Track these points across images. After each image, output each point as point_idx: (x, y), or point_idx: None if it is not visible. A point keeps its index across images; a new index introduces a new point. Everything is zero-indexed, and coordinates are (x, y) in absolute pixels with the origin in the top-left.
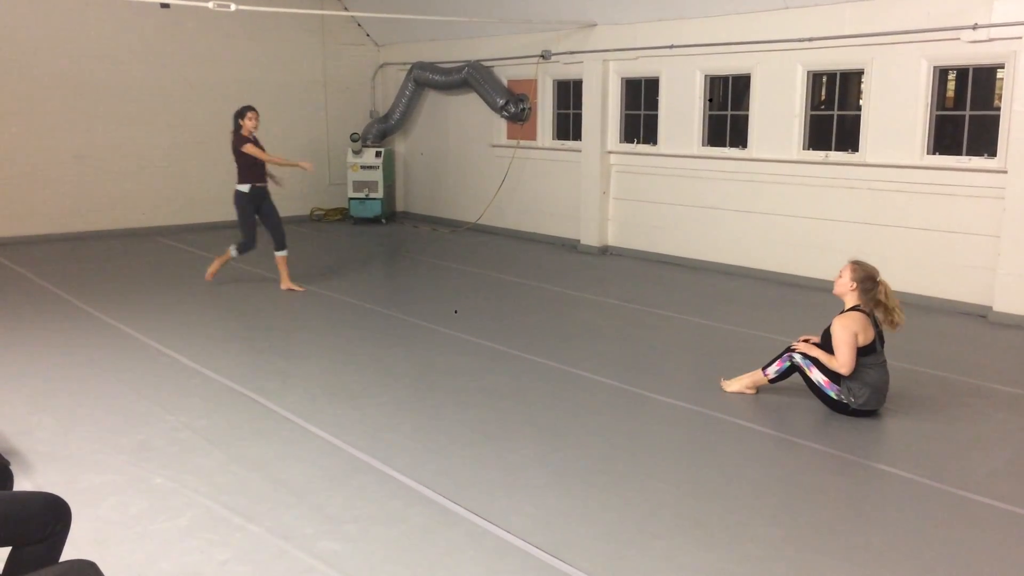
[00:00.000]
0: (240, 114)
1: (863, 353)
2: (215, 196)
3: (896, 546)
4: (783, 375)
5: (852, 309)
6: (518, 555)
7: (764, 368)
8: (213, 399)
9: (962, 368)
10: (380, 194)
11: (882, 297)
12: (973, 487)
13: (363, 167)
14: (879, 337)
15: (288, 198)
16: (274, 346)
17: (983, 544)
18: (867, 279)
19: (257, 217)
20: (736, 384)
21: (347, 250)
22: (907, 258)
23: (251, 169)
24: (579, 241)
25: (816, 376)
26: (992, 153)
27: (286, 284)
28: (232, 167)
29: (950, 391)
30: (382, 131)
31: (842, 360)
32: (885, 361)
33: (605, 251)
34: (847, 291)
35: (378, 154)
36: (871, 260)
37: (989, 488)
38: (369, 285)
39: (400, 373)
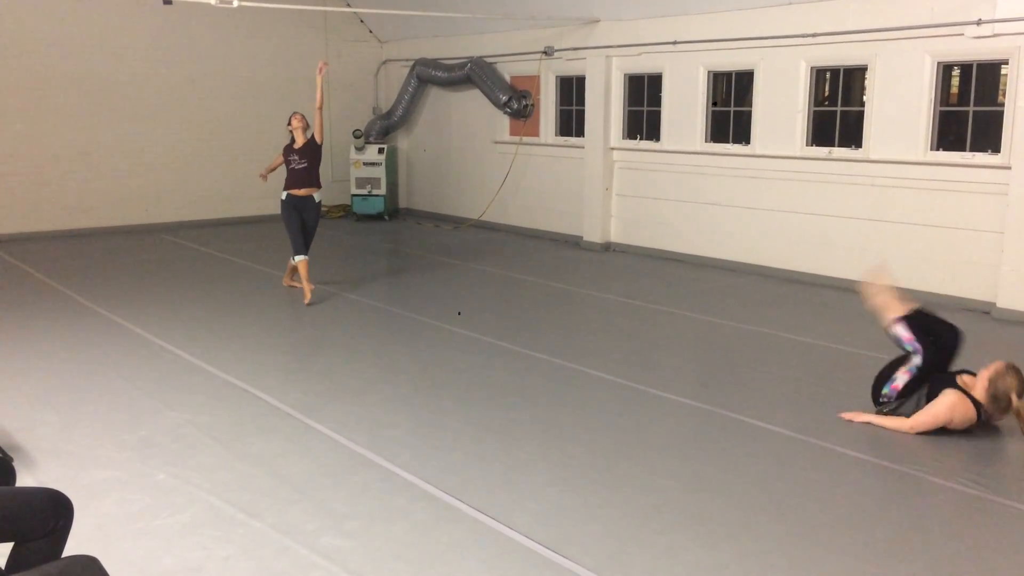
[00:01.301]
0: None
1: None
2: (219, 193)
3: (899, 542)
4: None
5: (971, 398)
6: (520, 551)
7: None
8: (216, 395)
9: (965, 364)
10: (383, 191)
11: (1013, 412)
12: (975, 484)
13: (366, 164)
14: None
15: None
16: (277, 343)
17: (986, 539)
18: (1001, 398)
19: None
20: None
21: (350, 247)
22: (911, 254)
23: (287, 177)
24: (582, 237)
25: (900, 378)
26: (996, 149)
27: (305, 284)
28: (236, 163)
29: None
30: (385, 128)
31: (919, 423)
32: None
33: (608, 247)
34: (982, 382)
35: (381, 151)
36: (875, 256)
37: (993, 485)
38: (372, 282)
39: (403, 369)
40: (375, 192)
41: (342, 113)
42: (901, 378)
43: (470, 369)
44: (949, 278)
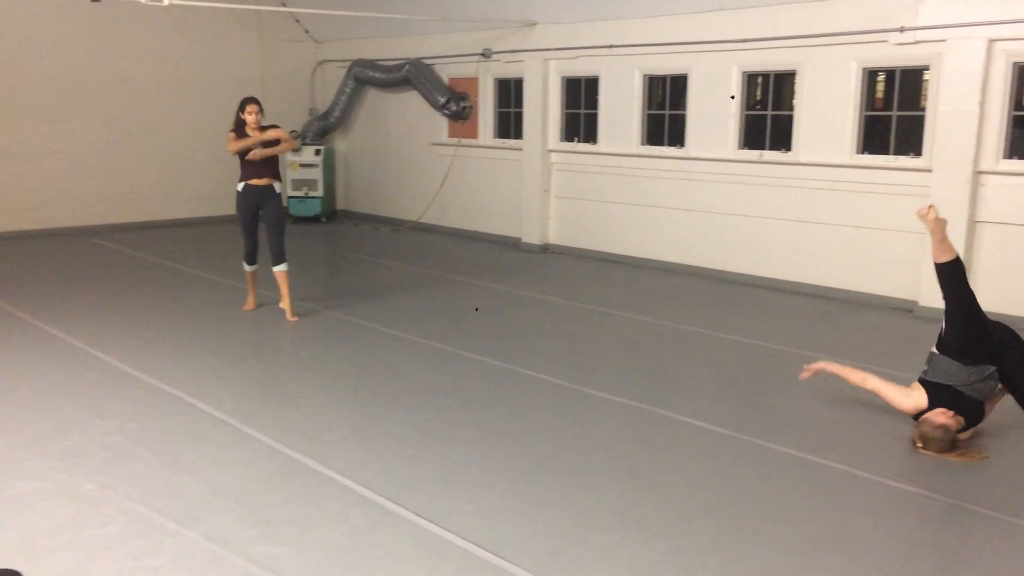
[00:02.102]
0: (240, 107)
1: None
2: (151, 194)
3: (827, 535)
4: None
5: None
6: (458, 554)
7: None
8: (146, 403)
9: (890, 361)
10: (320, 192)
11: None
12: (900, 476)
13: (302, 165)
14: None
15: (223, 196)
16: (209, 348)
17: (911, 532)
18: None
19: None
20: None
21: (289, 250)
22: (838, 255)
23: (244, 165)
24: (521, 239)
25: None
26: (918, 152)
27: (285, 304)
28: (168, 164)
29: None
30: (322, 129)
31: (884, 390)
32: None
33: (546, 249)
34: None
35: (318, 152)
36: (802, 256)
37: (913, 477)
38: (309, 285)
39: (340, 373)
40: (312, 194)
41: (277, 114)
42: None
43: (409, 372)
44: (874, 277)
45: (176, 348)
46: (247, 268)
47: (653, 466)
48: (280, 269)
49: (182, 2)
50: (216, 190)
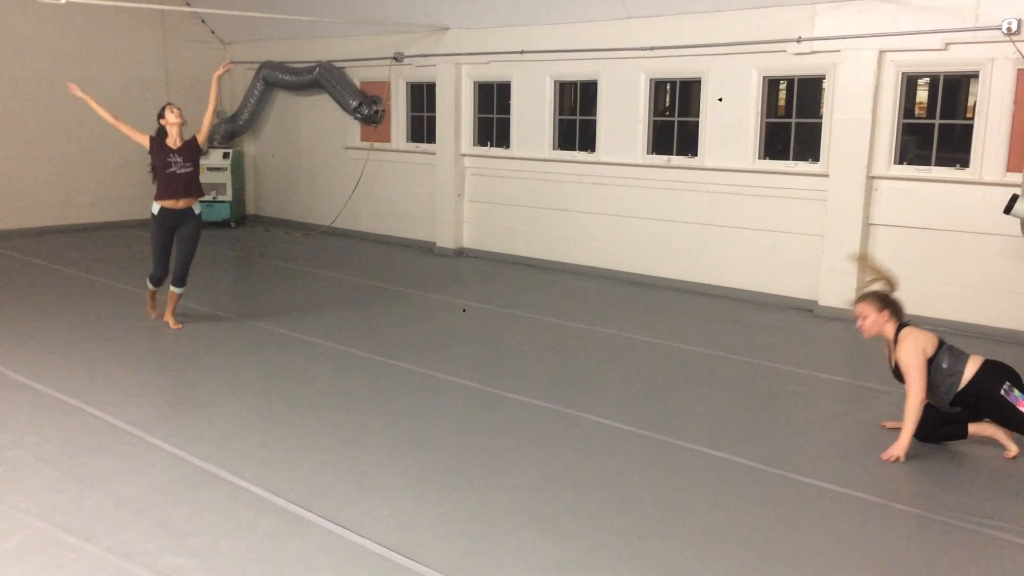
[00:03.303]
0: (160, 114)
1: (934, 359)
2: (48, 199)
3: (734, 528)
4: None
5: (901, 329)
6: (372, 559)
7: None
8: (44, 414)
9: (791, 359)
10: (229, 197)
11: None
12: (801, 469)
13: (210, 169)
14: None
15: (126, 200)
16: (112, 357)
17: (810, 522)
18: (888, 302)
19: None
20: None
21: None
22: (741, 257)
23: (161, 183)
24: (435, 244)
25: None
26: (816, 158)
27: (168, 316)
28: (66, 168)
29: (780, 380)
30: (230, 131)
31: (915, 389)
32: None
33: (461, 253)
34: (882, 324)
35: (226, 155)
36: (708, 258)
37: (814, 470)
38: (218, 291)
39: (250, 380)
40: (220, 198)
41: (184, 115)
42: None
43: (321, 378)
44: (776, 278)
45: (76, 357)
46: (150, 287)
47: (565, 466)
48: (177, 291)
49: (80, 0)
50: (117, 194)
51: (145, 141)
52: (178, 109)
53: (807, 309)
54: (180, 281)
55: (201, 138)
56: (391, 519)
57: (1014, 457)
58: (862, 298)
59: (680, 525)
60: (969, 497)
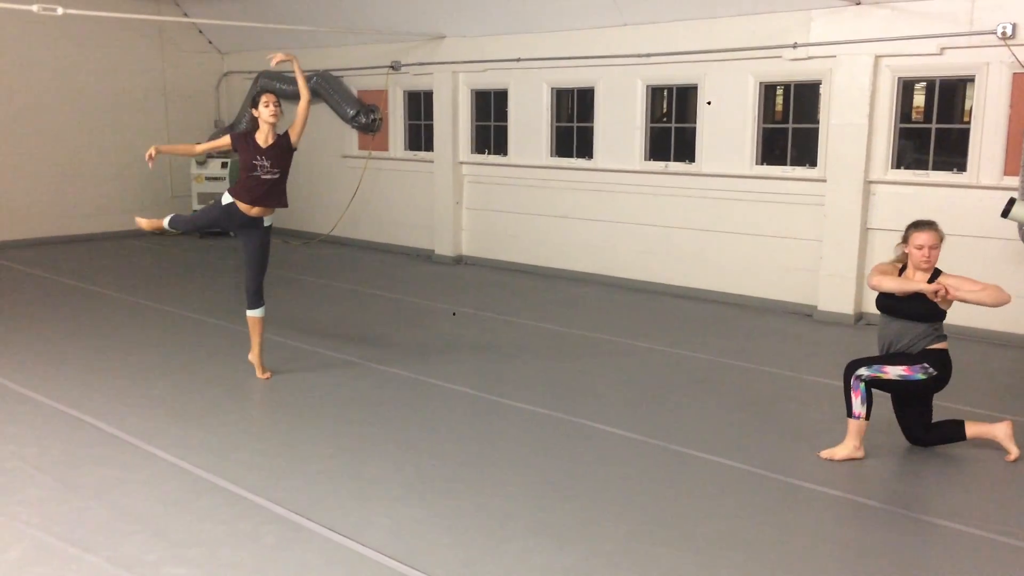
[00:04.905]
0: (253, 103)
1: (942, 315)
2: (45, 210)
3: (734, 534)
4: (869, 402)
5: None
6: (372, 567)
7: (849, 414)
8: (44, 425)
9: (790, 364)
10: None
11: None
12: (801, 474)
13: (208, 178)
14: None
15: (128, 211)
16: (112, 367)
17: (810, 527)
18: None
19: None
20: (842, 451)
21: (193, 265)
22: (740, 262)
23: (240, 181)
24: (434, 251)
25: (893, 372)
26: (813, 163)
27: (255, 356)
28: (64, 178)
29: (780, 386)
30: None
31: (973, 286)
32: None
33: (459, 261)
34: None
35: (224, 165)
36: (706, 264)
37: (814, 475)
38: (216, 300)
39: (250, 390)
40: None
41: (181, 126)
42: (896, 370)
43: (320, 387)
44: (775, 284)
45: (76, 368)
46: (166, 224)
47: (564, 473)
48: (253, 314)
49: (77, 11)
50: (115, 205)
51: (226, 142)
52: (275, 102)
53: (806, 314)
54: (254, 300)
55: (295, 135)
56: (391, 527)
57: (1014, 460)
58: (931, 225)
59: (680, 531)
60: (972, 501)
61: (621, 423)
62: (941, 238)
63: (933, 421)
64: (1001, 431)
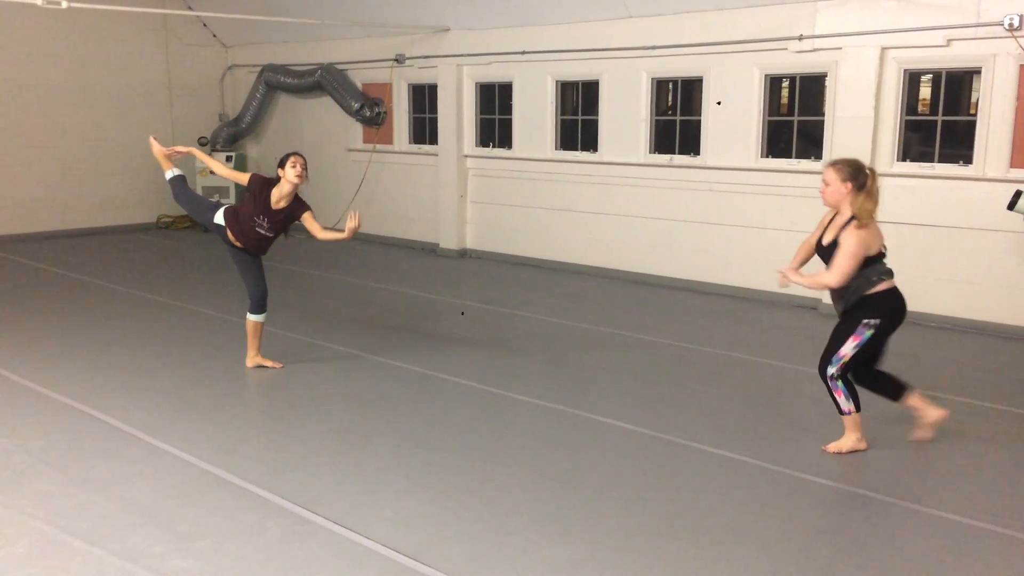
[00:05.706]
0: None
1: (873, 261)
2: (51, 204)
3: (740, 527)
4: (852, 394)
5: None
6: (378, 560)
7: (840, 412)
8: (50, 419)
9: (796, 357)
10: (232, 200)
11: (872, 185)
12: (807, 467)
13: (213, 172)
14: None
15: (133, 205)
16: (118, 361)
17: (816, 520)
18: (858, 172)
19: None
20: (846, 444)
21: (197, 258)
22: (745, 255)
23: (236, 223)
24: (438, 245)
25: (849, 349)
26: (819, 156)
27: (252, 356)
28: (68, 172)
29: (786, 379)
30: (233, 135)
31: (841, 269)
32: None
33: (464, 254)
34: (843, 196)
35: (229, 159)
36: (711, 257)
37: (820, 468)
38: (221, 294)
39: (255, 383)
40: (223, 202)
41: (185, 120)
42: (848, 346)
43: (325, 380)
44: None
45: (82, 362)
46: (171, 174)
47: (570, 466)
48: (253, 318)
49: (81, 5)
50: (120, 198)
51: (245, 179)
52: (303, 165)
53: (811, 307)
54: (260, 305)
55: (306, 224)
56: (397, 520)
57: (916, 440)
58: (833, 163)
59: (685, 525)
60: (979, 493)
61: (626, 417)
62: (843, 179)
63: (890, 373)
64: (934, 415)
